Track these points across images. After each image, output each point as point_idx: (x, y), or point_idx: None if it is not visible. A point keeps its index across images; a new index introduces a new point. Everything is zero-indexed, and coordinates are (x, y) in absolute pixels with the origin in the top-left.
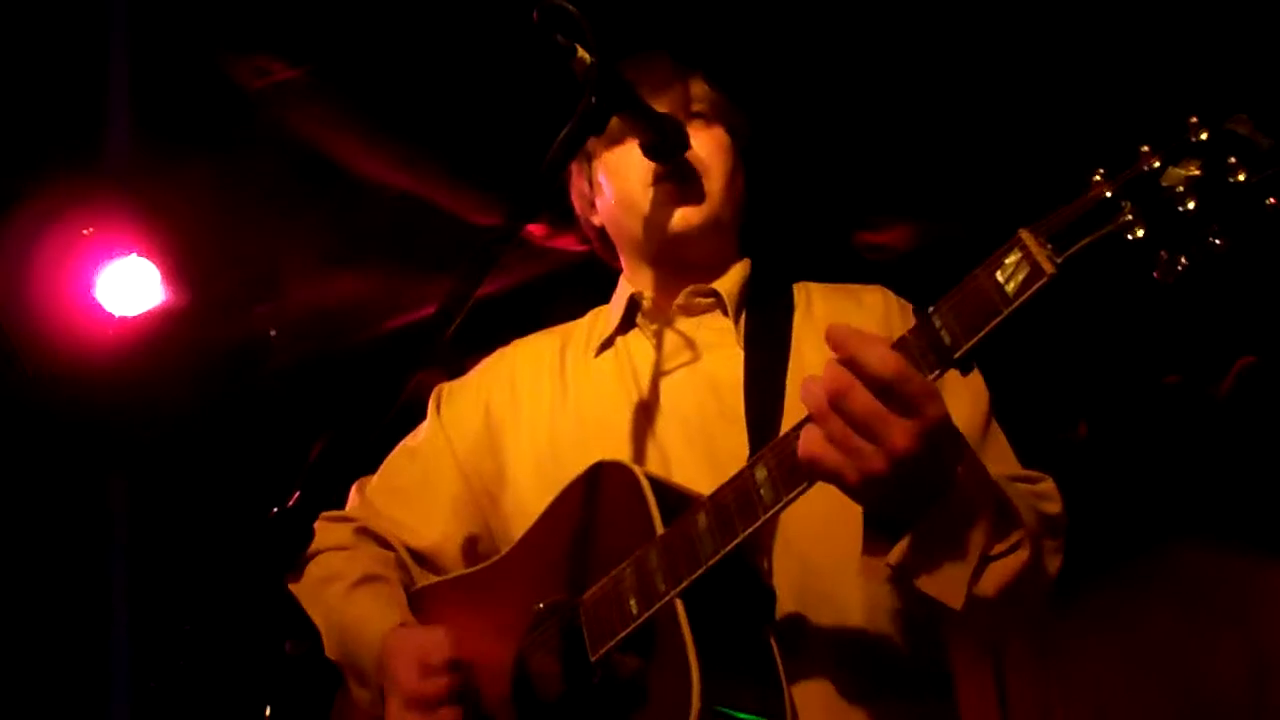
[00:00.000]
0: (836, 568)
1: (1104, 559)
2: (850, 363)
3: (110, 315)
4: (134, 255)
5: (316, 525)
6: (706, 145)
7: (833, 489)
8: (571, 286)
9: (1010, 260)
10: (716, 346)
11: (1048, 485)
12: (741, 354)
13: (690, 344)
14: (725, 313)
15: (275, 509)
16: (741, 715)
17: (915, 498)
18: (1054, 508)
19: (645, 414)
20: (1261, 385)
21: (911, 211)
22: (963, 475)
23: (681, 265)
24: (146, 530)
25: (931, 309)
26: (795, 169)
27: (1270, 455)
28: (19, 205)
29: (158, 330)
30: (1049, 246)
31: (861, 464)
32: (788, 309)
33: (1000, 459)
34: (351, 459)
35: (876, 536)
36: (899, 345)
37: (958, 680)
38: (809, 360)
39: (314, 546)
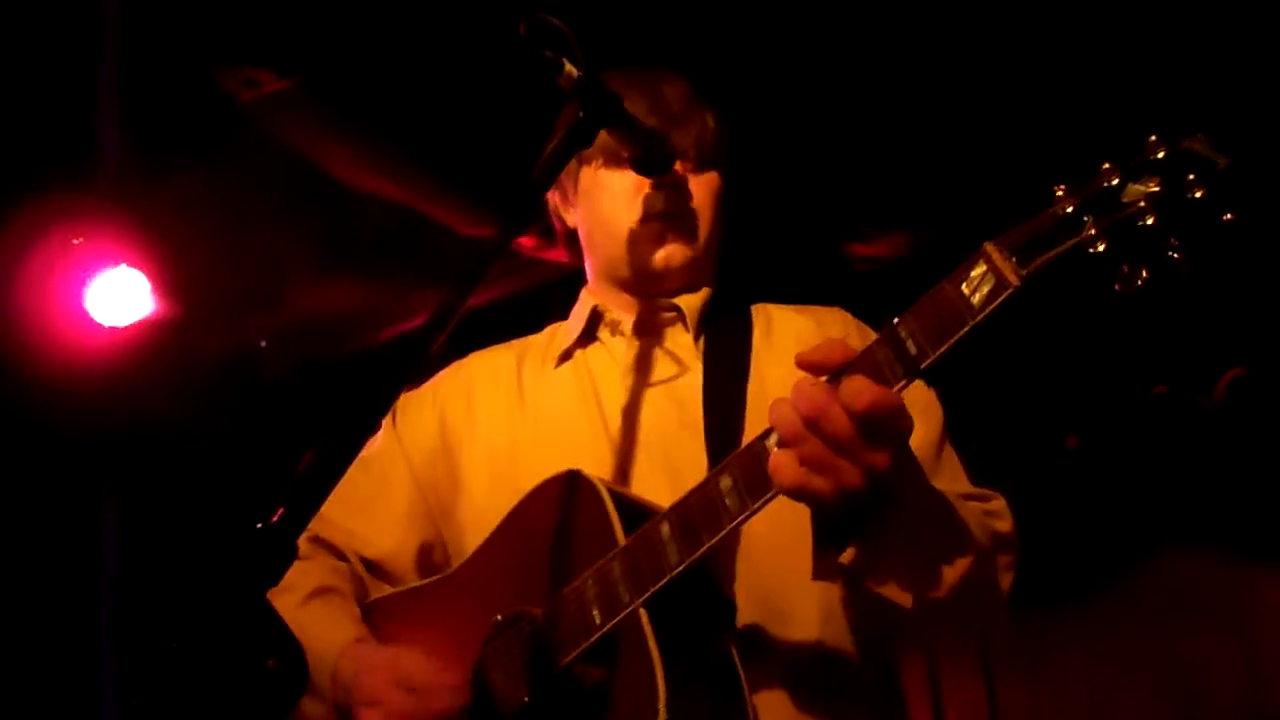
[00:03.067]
0: (795, 581)
1: (1096, 568)
2: (824, 388)
3: (100, 326)
4: (124, 266)
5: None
6: (702, 194)
7: (796, 505)
8: (560, 299)
9: (976, 273)
10: (677, 360)
11: (998, 504)
12: (701, 368)
13: (651, 357)
14: (686, 328)
15: (259, 524)
16: None
17: (872, 504)
18: (1004, 525)
19: (604, 425)
20: (1250, 396)
21: (902, 223)
22: (911, 479)
23: (652, 291)
24: (136, 542)
25: (897, 320)
26: (785, 180)
27: (1259, 464)
28: (8, 215)
29: (148, 341)
30: (1014, 259)
31: (839, 481)
32: (747, 327)
33: (953, 477)
34: (338, 473)
35: (825, 540)
36: (865, 355)
37: (946, 689)
38: (768, 375)
39: None
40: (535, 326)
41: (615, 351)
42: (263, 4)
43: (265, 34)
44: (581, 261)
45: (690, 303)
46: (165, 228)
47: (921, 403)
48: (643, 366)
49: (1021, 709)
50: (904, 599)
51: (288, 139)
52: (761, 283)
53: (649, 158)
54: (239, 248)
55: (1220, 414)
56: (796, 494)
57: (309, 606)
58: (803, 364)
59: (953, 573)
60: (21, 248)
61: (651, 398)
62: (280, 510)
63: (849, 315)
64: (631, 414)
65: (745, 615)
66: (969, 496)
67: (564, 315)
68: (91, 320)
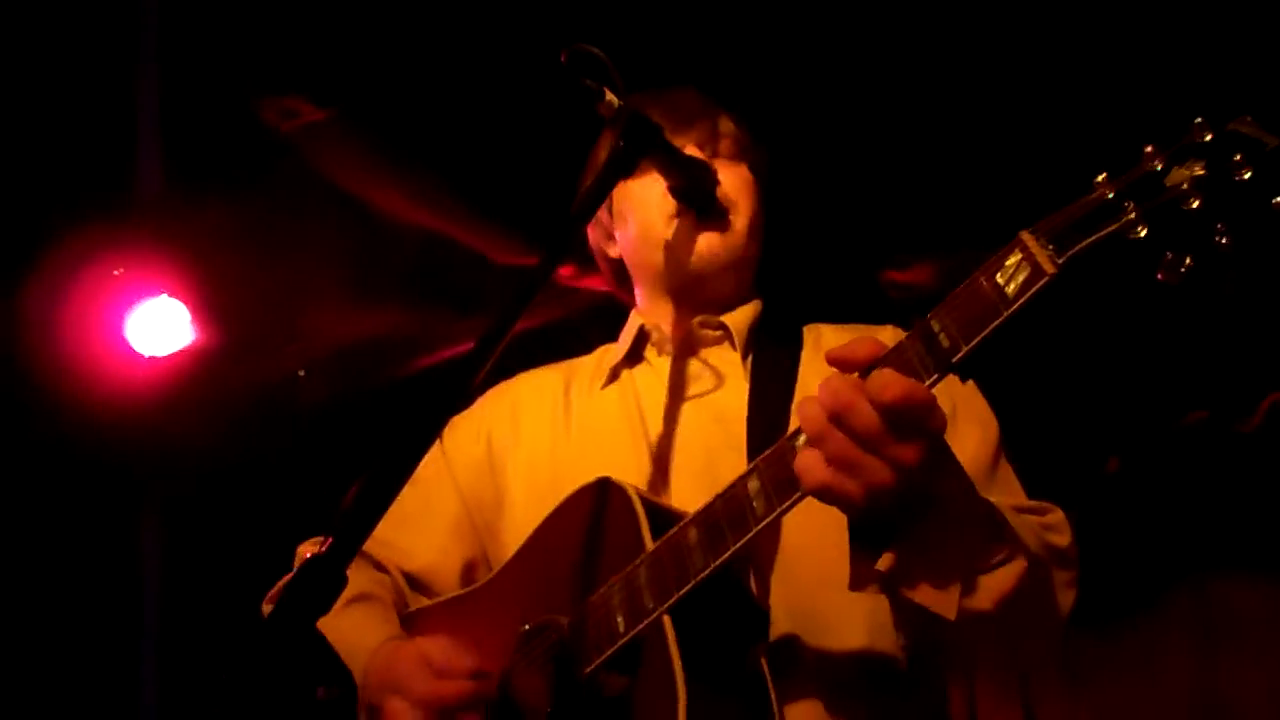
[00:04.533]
0: (838, 592)
1: (1135, 593)
2: (852, 382)
3: (140, 356)
4: (164, 296)
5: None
6: (732, 183)
7: (833, 513)
8: (598, 327)
9: (1010, 262)
10: (723, 379)
11: (1056, 517)
12: (747, 387)
13: (696, 376)
14: (734, 346)
15: (310, 554)
16: None
17: (909, 508)
18: (1062, 540)
19: (646, 441)
20: None
21: (938, 250)
22: (953, 484)
23: (698, 299)
24: (177, 572)
25: (930, 314)
26: (819, 207)
27: None
28: (50, 246)
29: (188, 371)
30: (1050, 248)
31: (868, 479)
32: (796, 346)
33: (1009, 490)
34: (387, 501)
35: (863, 547)
36: (896, 350)
37: (982, 713)
38: (815, 392)
39: None
40: (570, 354)
41: (660, 370)
42: (300, 34)
43: (303, 64)
44: (631, 295)
45: (737, 320)
46: (205, 258)
47: (978, 415)
48: (687, 384)
49: None
50: (946, 609)
51: (325, 168)
52: (816, 303)
53: (690, 186)
54: (278, 277)
55: (1260, 439)
56: (824, 495)
57: (346, 611)
58: (833, 360)
59: (1000, 584)
60: (63, 278)
61: (695, 414)
62: (330, 540)
63: (902, 332)
64: (673, 430)
65: (781, 626)
66: (1025, 509)
67: (610, 340)
68: (132, 350)
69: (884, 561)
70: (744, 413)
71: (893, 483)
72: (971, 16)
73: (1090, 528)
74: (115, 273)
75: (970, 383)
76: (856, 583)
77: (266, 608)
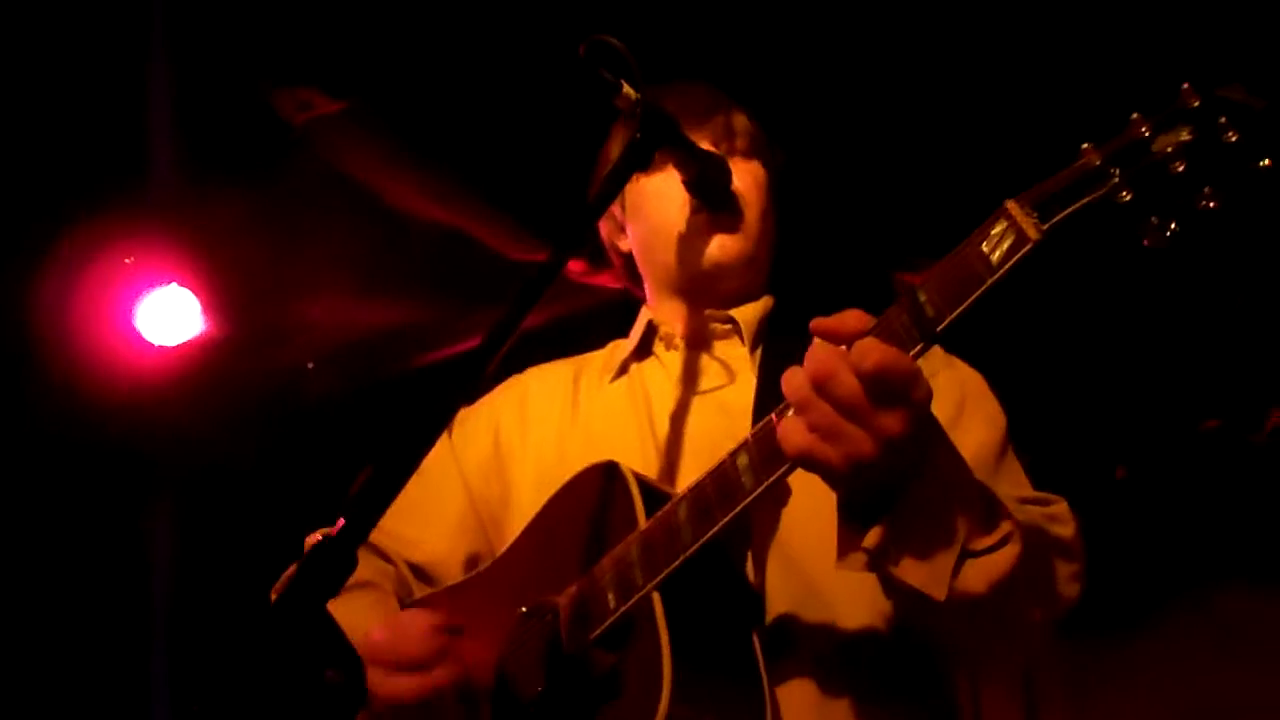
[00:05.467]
0: (831, 580)
1: (1143, 602)
2: (835, 351)
3: (150, 345)
4: (174, 285)
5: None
6: (745, 180)
7: (830, 499)
8: (610, 323)
9: (996, 230)
10: (731, 373)
11: (1060, 508)
12: (754, 380)
13: (705, 370)
14: (743, 341)
15: (320, 538)
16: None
17: (896, 481)
18: (1066, 531)
19: (653, 435)
20: None
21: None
22: (941, 461)
23: (709, 295)
24: (187, 560)
25: (918, 283)
26: (833, 205)
27: None
28: (61, 234)
29: (197, 360)
30: (1035, 215)
31: (849, 449)
32: (805, 342)
33: (1015, 482)
34: (396, 488)
35: (851, 524)
36: (882, 320)
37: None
38: None
39: None
40: (582, 350)
41: (669, 364)
42: (313, 25)
43: (316, 55)
44: (641, 290)
45: (746, 315)
46: (216, 248)
47: (986, 407)
48: (694, 377)
49: None
50: (935, 589)
51: (339, 161)
52: (826, 301)
53: (706, 180)
54: (288, 268)
55: (1270, 449)
56: (805, 461)
57: (346, 597)
58: (818, 330)
59: (993, 567)
60: (74, 267)
61: (702, 408)
62: (339, 524)
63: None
64: (681, 424)
65: (778, 609)
66: (1029, 500)
67: (620, 334)
68: (142, 339)
69: (871, 537)
70: (749, 407)
71: (875, 453)
72: (986, 14)
73: (1098, 535)
74: (126, 261)
75: (980, 377)
76: (844, 560)
77: (274, 597)
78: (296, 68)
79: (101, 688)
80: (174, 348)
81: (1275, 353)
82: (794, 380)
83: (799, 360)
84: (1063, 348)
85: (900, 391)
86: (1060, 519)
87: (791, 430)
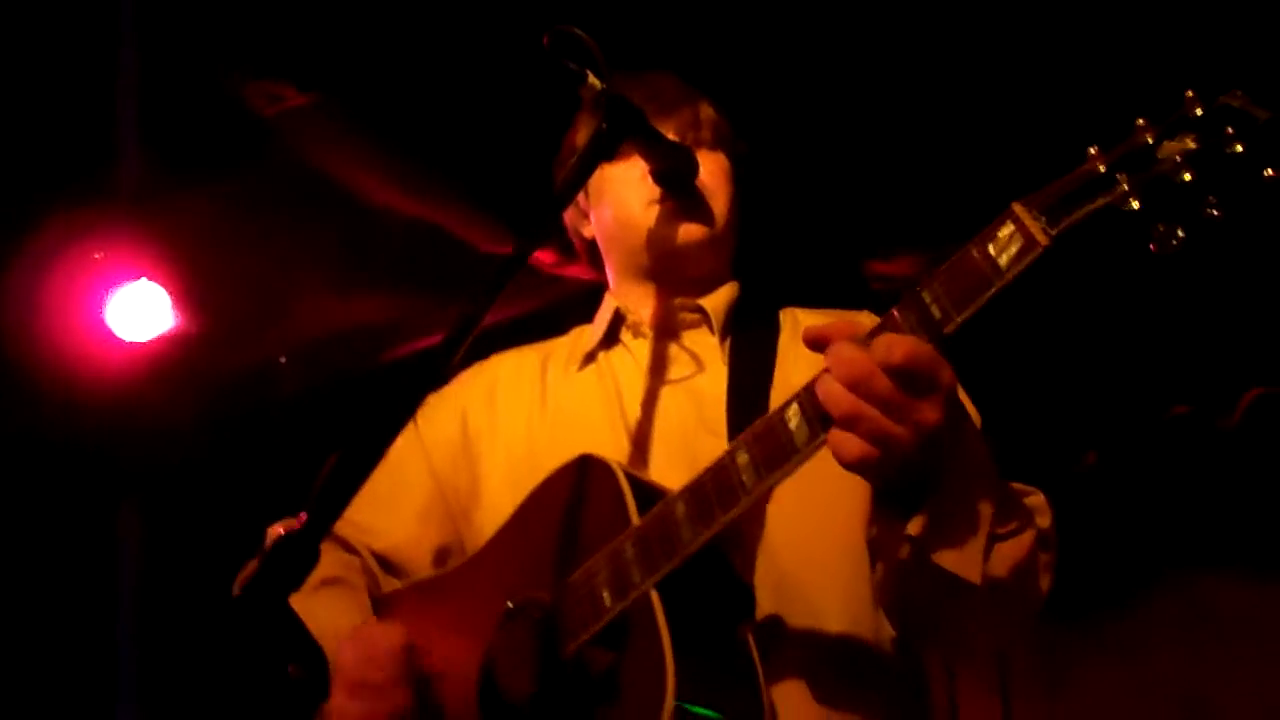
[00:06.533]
0: (820, 573)
1: (1114, 587)
2: (859, 352)
3: (120, 340)
4: (145, 280)
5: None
6: (711, 170)
7: (819, 491)
8: (580, 314)
9: (1003, 234)
10: (701, 362)
11: (1038, 499)
12: (725, 370)
13: (674, 359)
14: (711, 330)
15: (281, 530)
16: (716, 715)
17: (933, 467)
18: (1045, 521)
19: (625, 424)
20: (1271, 417)
21: (922, 242)
22: (969, 444)
23: (675, 283)
24: (155, 556)
25: (920, 285)
26: (800, 193)
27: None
28: (30, 229)
29: (168, 356)
30: (1043, 219)
31: (894, 445)
32: (773, 329)
33: None
34: (360, 479)
35: (890, 515)
36: (887, 321)
37: (962, 708)
38: (793, 377)
39: None
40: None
41: (637, 353)
42: (281, 18)
43: (285, 48)
44: (604, 274)
45: (714, 303)
46: (186, 243)
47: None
48: (664, 366)
49: None
50: (972, 572)
51: (309, 154)
52: (792, 287)
53: (672, 171)
54: (259, 263)
55: (1240, 435)
56: (858, 467)
57: (316, 595)
58: (809, 337)
59: (1014, 552)
60: (43, 262)
61: (673, 398)
62: (303, 516)
63: (878, 318)
64: (652, 413)
65: (766, 606)
66: None
67: (589, 320)
68: (112, 334)
69: (915, 525)
70: (723, 396)
71: (916, 444)
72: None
73: (1068, 521)
74: (96, 256)
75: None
76: (884, 552)
77: (236, 591)
78: (266, 61)
79: (67, 685)
80: (144, 343)
81: (1245, 339)
82: (834, 392)
83: (769, 350)
84: (1033, 333)
85: (930, 379)
86: (1039, 509)
87: (843, 441)
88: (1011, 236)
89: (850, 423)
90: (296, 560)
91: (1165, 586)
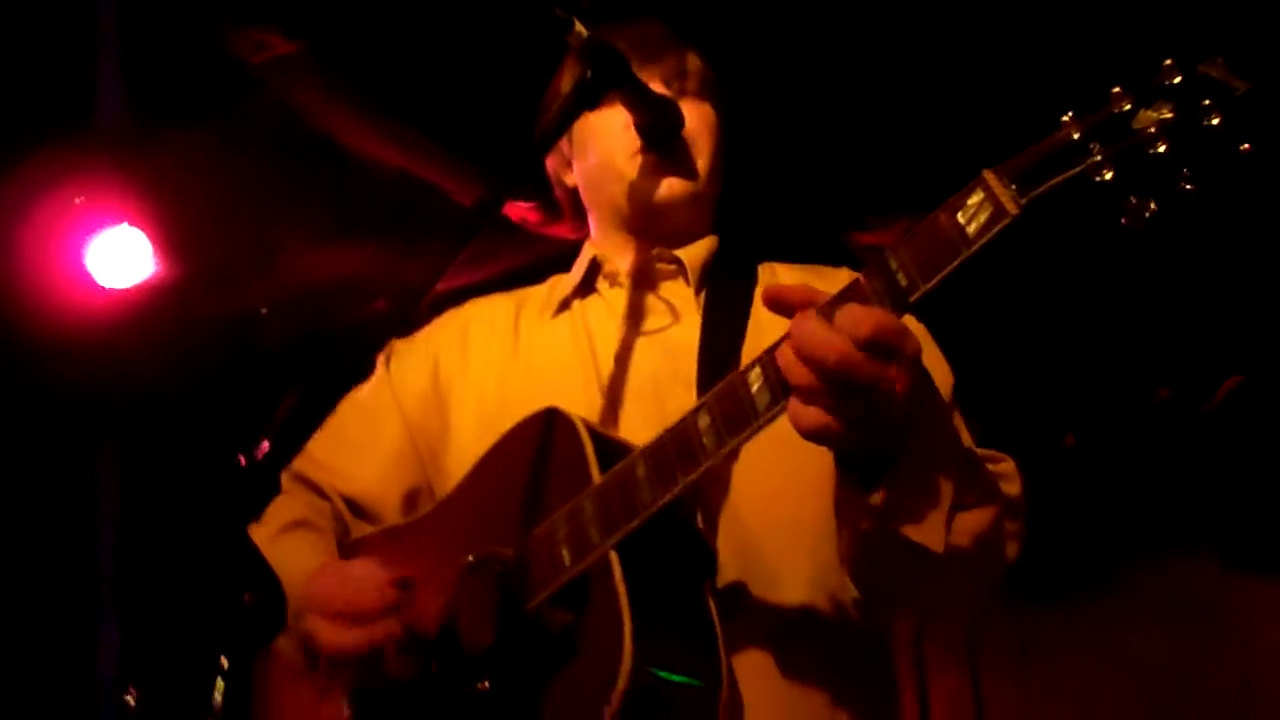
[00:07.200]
0: (783, 540)
1: (1090, 568)
2: (822, 324)
3: (100, 286)
4: (126, 225)
5: None
6: (695, 122)
7: (788, 457)
8: (561, 269)
9: (972, 201)
10: (676, 313)
11: (1008, 466)
12: (699, 321)
13: (649, 310)
14: (687, 281)
15: (242, 459)
16: (675, 677)
17: (896, 437)
18: (1013, 489)
19: (596, 373)
20: (1249, 403)
21: (906, 211)
22: (935, 412)
23: (655, 234)
24: (134, 504)
25: (887, 251)
26: (785, 150)
27: (1257, 470)
28: (9, 173)
29: (148, 303)
30: (1013, 187)
31: (855, 415)
32: (751, 283)
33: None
34: (321, 415)
35: (852, 483)
36: (853, 288)
37: (931, 679)
38: (767, 331)
39: None
40: None
41: (612, 302)
42: None
43: None
44: (585, 226)
45: (692, 255)
46: (168, 188)
47: (932, 363)
48: (639, 316)
49: (1009, 704)
50: (935, 541)
51: (295, 102)
52: (772, 243)
53: (656, 124)
54: (242, 211)
55: (1219, 420)
56: (818, 437)
57: (282, 539)
58: (769, 297)
59: (977, 522)
60: (22, 206)
61: (646, 348)
62: (263, 447)
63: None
64: (625, 363)
65: (728, 573)
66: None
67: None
68: (92, 281)
69: (878, 496)
70: (695, 348)
71: (880, 416)
72: None
73: (1046, 502)
74: (76, 201)
75: (924, 329)
76: (848, 519)
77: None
78: (250, 6)
79: (50, 638)
80: (125, 289)
81: (1227, 324)
82: (795, 362)
83: (744, 304)
84: (1015, 314)
85: (895, 351)
86: (1008, 476)
87: (802, 411)
88: (981, 204)
89: (810, 394)
90: (254, 491)
91: (1140, 568)
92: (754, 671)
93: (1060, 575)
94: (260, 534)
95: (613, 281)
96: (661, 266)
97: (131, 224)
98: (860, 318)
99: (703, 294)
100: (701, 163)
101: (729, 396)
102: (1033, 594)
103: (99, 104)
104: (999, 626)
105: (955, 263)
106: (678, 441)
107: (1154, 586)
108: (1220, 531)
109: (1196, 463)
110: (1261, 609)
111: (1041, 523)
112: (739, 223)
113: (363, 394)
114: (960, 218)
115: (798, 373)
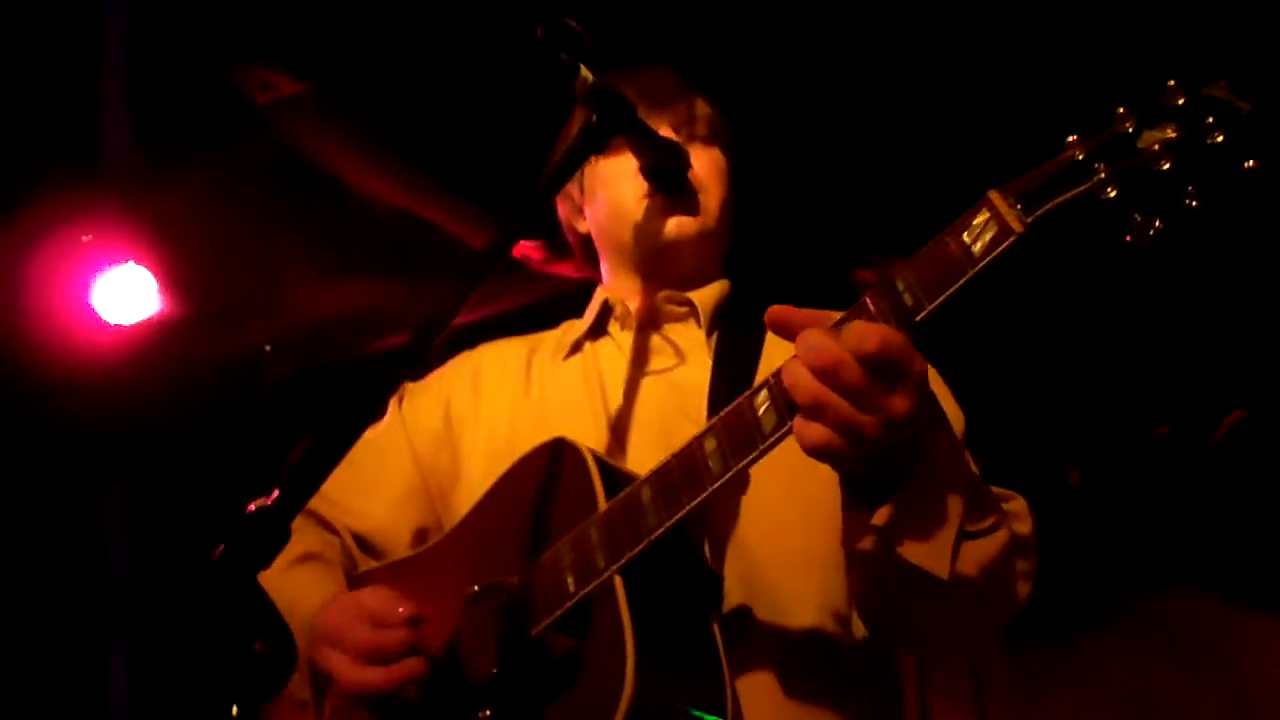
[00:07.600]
0: (788, 566)
1: (1092, 604)
2: (830, 339)
3: (106, 323)
4: (132, 263)
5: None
6: (704, 166)
7: (799, 486)
8: (571, 311)
9: (978, 221)
10: (685, 355)
11: (1019, 504)
12: (709, 362)
13: (659, 350)
14: (699, 324)
15: (252, 506)
16: (677, 703)
17: (902, 458)
18: (1024, 527)
19: (605, 409)
20: (1251, 439)
21: (910, 249)
22: (942, 435)
23: (665, 276)
24: (141, 542)
25: (893, 271)
26: (792, 201)
27: (1258, 507)
28: (17, 211)
29: (153, 340)
30: (1019, 207)
31: (862, 435)
32: (761, 327)
33: None
34: (333, 459)
35: (857, 505)
36: (858, 308)
37: (935, 714)
38: None
39: None
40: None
41: (623, 343)
42: (274, 3)
43: (274, 33)
44: (598, 272)
45: (704, 297)
46: (174, 227)
47: (944, 407)
48: (649, 356)
49: None
50: (940, 567)
51: (300, 142)
52: (782, 288)
53: (662, 166)
54: (247, 249)
55: (1220, 456)
56: (821, 454)
57: (292, 571)
58: (772, 317)
59: (985, 551)
60: (29, 244)
61: (653, 385)
62: (275, 493)
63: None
64: (633, 402)
65: (734, 598)
66: None
67: (580, 316)
68: (98, 318)
69: (880, 516)
70: (705, 388)
71: (886, 435)
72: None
73: (1050, 538)
74: (83, 239)
75: (934, 373)
76: (851, 540)
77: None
78: (257, 46)
79: (57, 670)
80: (130, 326)
81: (1229, 360)
82: (801, 379)
83: (755, 346)
84: (1018, 351)
85: (901, 369)
86: (1019, 515)
87: (807, 428)
88: (986, 224)
89: (816, 411)
90: (266, 538)
91: (1143, 604)
92: (759, 698)
93: (1065, 611)
94: (270, 570)
95: (624, 324)
96: (672, 308)
97: (137, 262)
98: (866, 333)
99: (714, 336)
100: (710, 204)
101: (736, 419)
102: (1038, 629)
103: (106, 143)
104: (1003, 661)
105: (961, 281)
106: (684, 465)
107: (1156, 622)
108: (1222, 568)
109: (1199, 498)
110: (1263, 645)
111: (1045, 558)
112: (749, 268)
113: (375, 433)
114: (966, 237)
115: (803, 387)
